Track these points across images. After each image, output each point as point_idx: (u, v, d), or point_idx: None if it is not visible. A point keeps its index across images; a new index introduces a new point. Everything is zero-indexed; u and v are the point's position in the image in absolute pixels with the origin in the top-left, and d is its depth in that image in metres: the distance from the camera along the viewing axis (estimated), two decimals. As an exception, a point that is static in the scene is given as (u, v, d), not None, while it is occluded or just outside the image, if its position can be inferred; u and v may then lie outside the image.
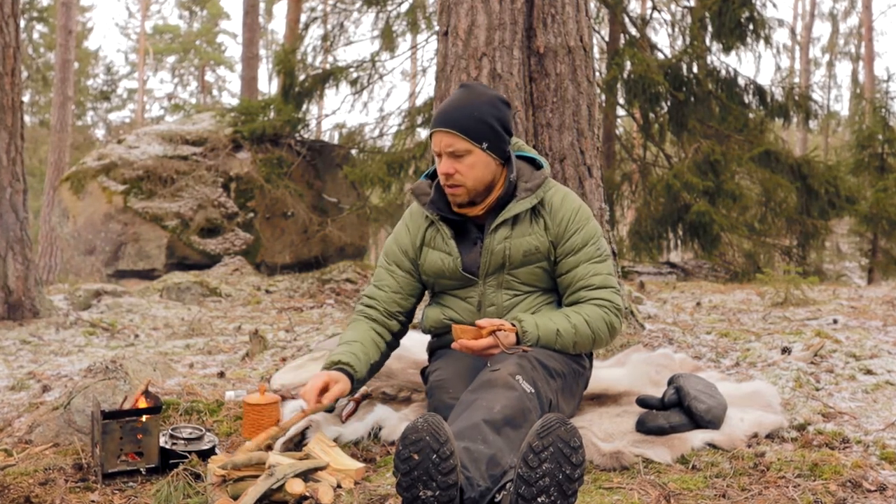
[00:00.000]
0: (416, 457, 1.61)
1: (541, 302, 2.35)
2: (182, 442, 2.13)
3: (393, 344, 2.47)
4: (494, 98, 2.29)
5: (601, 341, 2.27)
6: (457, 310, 2.38)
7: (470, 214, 2.32)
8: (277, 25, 33.80)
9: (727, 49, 9.61)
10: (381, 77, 10.75)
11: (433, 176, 2.43)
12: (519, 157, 2.39)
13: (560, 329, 2.20)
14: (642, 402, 2.33)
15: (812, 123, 10.44)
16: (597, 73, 8.49)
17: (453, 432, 1.83)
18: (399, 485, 1.63)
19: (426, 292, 2.55)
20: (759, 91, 9.91)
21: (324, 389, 2.20)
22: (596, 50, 10.19)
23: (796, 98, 9.94)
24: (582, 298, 2.28)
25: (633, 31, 10.48)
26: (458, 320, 2.36)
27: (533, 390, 2.01)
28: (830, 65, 29.11)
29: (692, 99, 9.61)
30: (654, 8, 10.94)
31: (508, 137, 2.30)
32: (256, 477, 1.85)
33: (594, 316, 2.24)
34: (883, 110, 11.41)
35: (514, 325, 2.19)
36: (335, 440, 2.23)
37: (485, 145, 2.22)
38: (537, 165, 2.39)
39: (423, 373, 2.53)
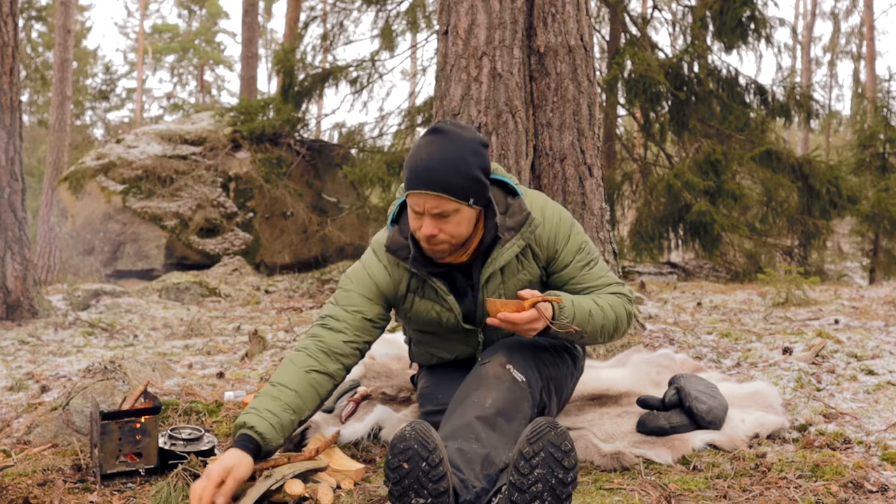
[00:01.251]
0: (405, 466, 1.61)
1: None
2: (181, 443, 2.13)
3: (341, 380, 2.12)
4: (475, 143, 2.04)
5: (620, 329, 2.19)
6: (456, 352, 2.30)
7: (455, 263, 2.15)
8: (277, 24, 33.83)
9: (728, 48, 9.59)
10: (380, 76, 10.73)
11: (397, 219, 2.19)
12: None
13: (591, 310, 2.10)
14: (643, 402, 2.32)
15: (813, 123, 10.40)
16: (597, 73, 8.47)
17: (446, 432, 1.83)
18: (391, 493, 1.64)
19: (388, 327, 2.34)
20: (761, 90, 9.89)
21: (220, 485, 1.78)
22: (596, 49, 10.20)
23: (797, 97, 9.91)
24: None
25: (634, 30, 10.47)
26: (450, 360, 2.30)
27: (524, 378, 2.00)
28: (832, 64, 29.09)
29: (693, 98, 9.58)
30: (654, 7, 10.92)
31: (489, 182, 2.09)
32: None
33: (616, 303, 2.17)
34: (885, 110, 11.41)
35: (556, 296, 2.04)
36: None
37: (471, 201, 2.01)
38: (509, 189, 2.20)
39: (413, 379, 2.51)
